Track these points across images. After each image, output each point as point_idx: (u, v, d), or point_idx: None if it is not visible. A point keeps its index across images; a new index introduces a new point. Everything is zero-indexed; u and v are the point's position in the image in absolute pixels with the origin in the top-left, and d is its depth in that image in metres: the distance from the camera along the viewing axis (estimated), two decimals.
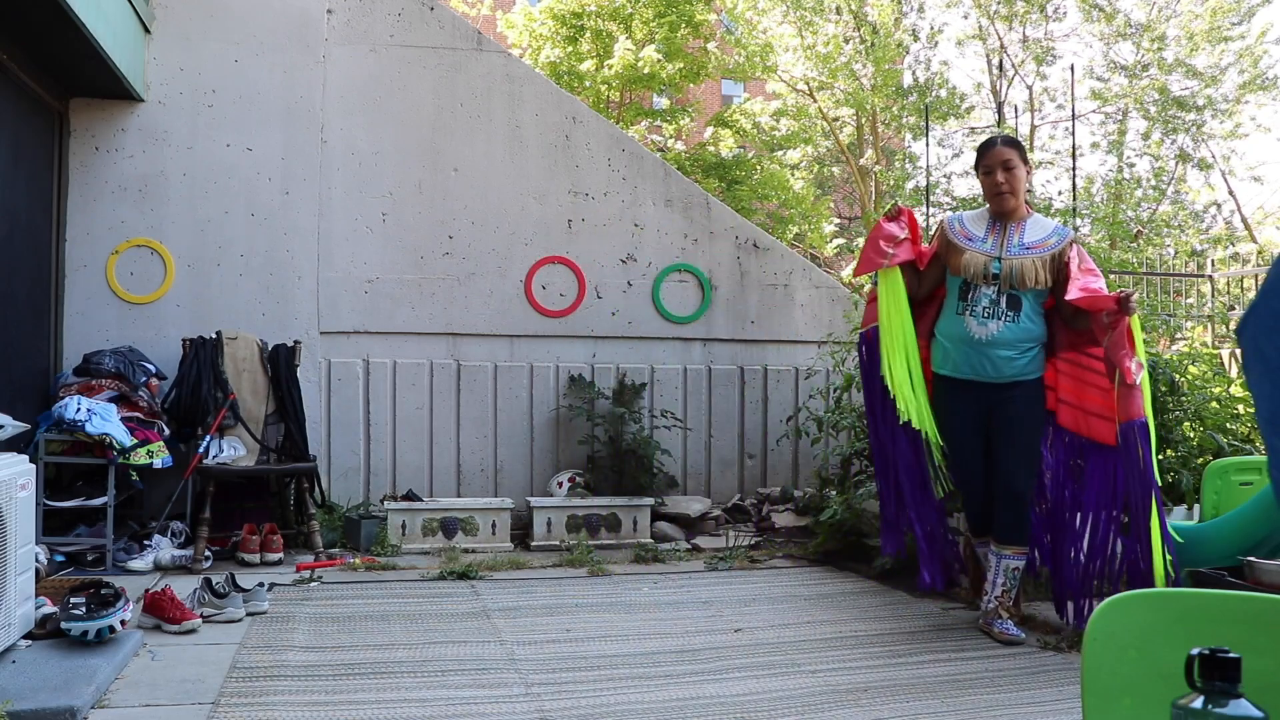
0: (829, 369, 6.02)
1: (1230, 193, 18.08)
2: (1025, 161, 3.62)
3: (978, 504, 3.74)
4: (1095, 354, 3.59)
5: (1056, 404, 3.72)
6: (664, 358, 6.09)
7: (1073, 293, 3.43)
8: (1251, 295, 8.00)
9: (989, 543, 3.72)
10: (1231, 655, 1.07)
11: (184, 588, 3.74)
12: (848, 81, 16.82)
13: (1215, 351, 6.75)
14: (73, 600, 3.07)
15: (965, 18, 18.16)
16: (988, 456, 3.67)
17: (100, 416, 4.45)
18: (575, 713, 2.77)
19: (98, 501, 4.47)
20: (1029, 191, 3.59)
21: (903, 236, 3.70)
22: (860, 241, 17.95)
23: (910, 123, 17.38)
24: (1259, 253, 12.73)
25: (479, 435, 5.77)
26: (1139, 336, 3.41)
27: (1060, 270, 3.55)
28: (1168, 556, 3.34)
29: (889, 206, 3.54)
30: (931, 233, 3.81)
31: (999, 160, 3.59)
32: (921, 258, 3.76)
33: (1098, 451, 3.58)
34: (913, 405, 3.64)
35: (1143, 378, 3.38)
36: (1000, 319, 3.52)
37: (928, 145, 7.23)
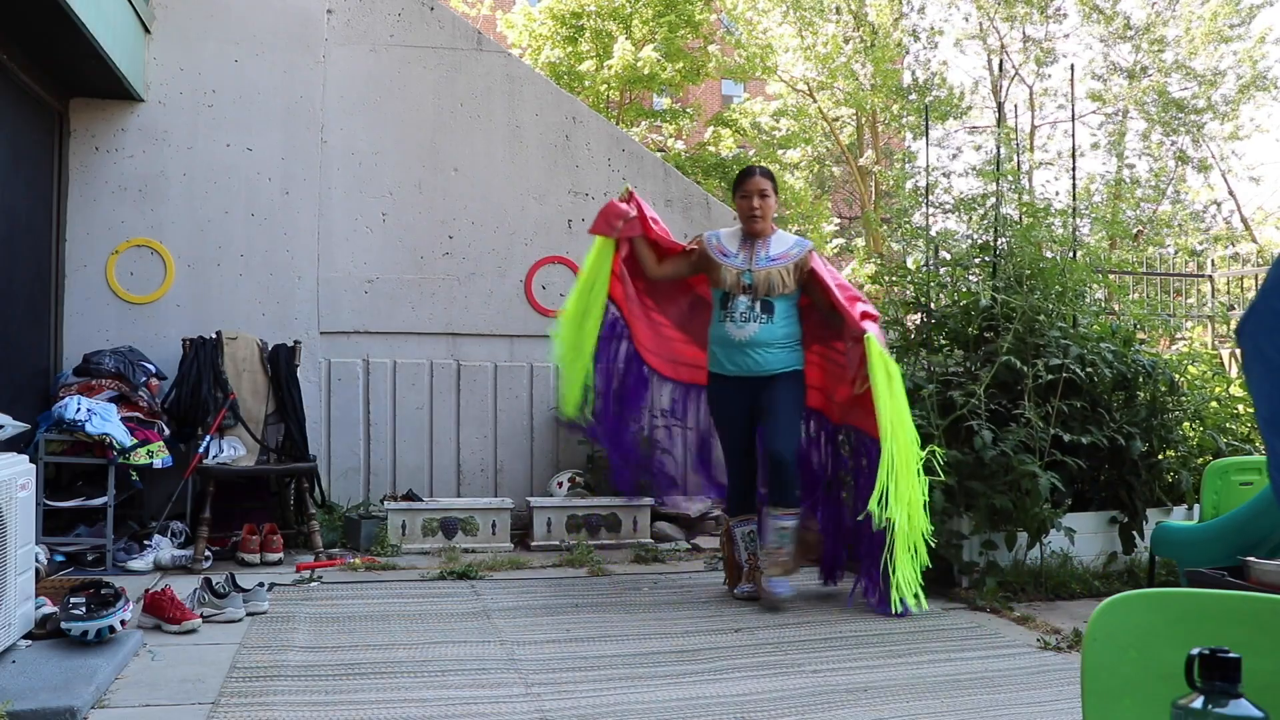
0: None
1: (1230, 193, 18.09)
2: (776, 191, 4.24)
3: (741, 486, 4.25)
4: (840, 348, 4.21)
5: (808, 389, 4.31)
6: None
7: (852, 309, 3.97)
8: (1251, 295, 8.00)
9: (748, 520, 4.22)
10: (1231, 655, 1.07)
11: (184, 588, 3.74)
12: (847, 81, 16.83)
13: (1215, 352, 6.75)
14: (73, 600, 3.07)
15: (966, 20, 18.17)
16: (751, 445, 4.24)
17: (100, 416, 4.45)
18: (575, 713, 2.77)
19: (98, 501, 4.47)
20: (777, 217, 4.26)
21: (631, 215, 4.24)
22: (860, 241, 17.98)
23: (910, 122, 17.39)
24: (1259, 253, 12.74)
25: (479, 435, 5.77)
26: (876, 355, 3.82)
27: (807, 276, 4.11)
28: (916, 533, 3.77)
29: (623, 190, 4.30)
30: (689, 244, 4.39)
31: (756, 189, 4.17)
32: (655, 237, 4.32)
33: (868, 443, 4.11)
34: (568, 343, 4.25)
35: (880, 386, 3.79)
36: (756, 321, 4.06)
37: (927, 145, 7.24)
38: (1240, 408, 5.04)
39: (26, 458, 3.13)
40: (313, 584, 4.28)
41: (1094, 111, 17.87)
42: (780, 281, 4.07)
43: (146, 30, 5.31)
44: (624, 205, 4.27)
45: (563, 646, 3.42)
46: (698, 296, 4.49)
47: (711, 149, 17.10)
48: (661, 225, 4.38)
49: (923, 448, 3.89)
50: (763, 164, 4.32)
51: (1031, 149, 16.92)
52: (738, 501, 4.28)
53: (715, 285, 4.18)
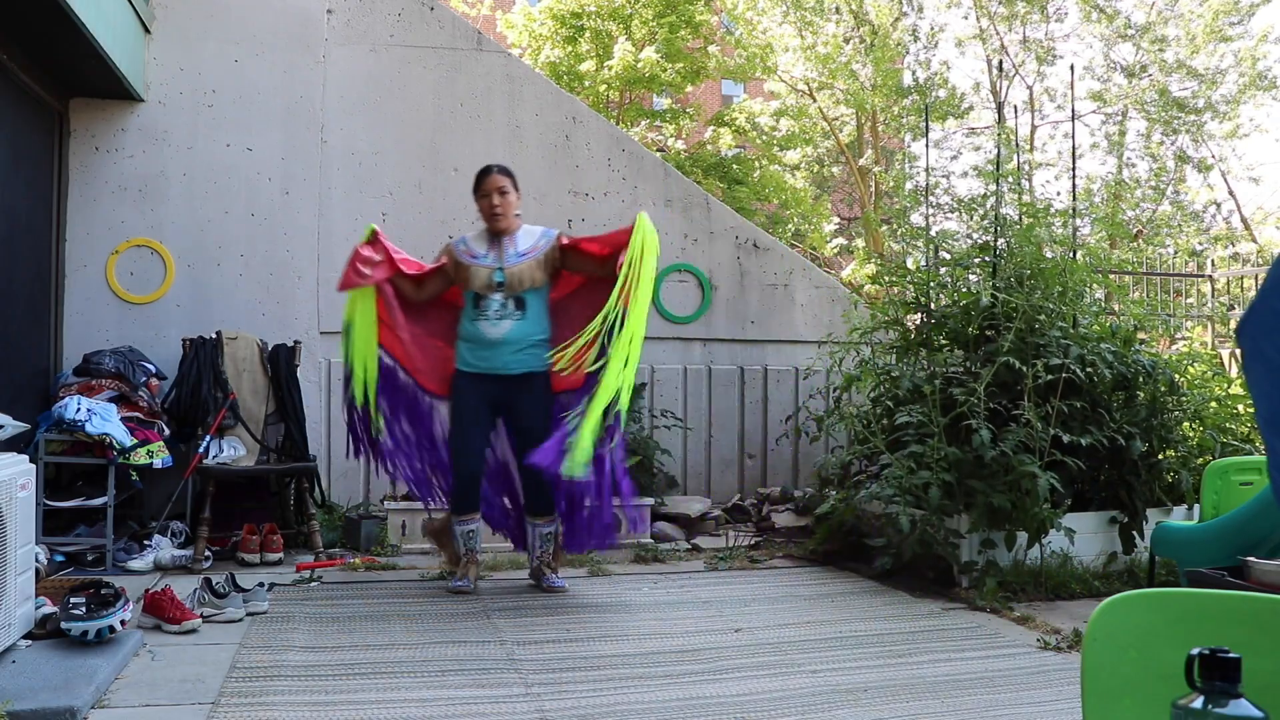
0: (829, 369, 6.01)
1: (1230, 193, 18.10)
2: (516, 188, 4.20)
3: (471, 484, 4.18)
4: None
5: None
6: (664, 358, 6.09)
7: (602, 247, 4.14)
8: (1251, 295, 8.00)
9: (470, 520, 4.22)
10: (1231, 655, 1.07)
11: (184, 588, 3.74)
12: (848, 81, 16.83)
13: (1215, 352, 6.75)
14: (73, 600, 3.07)
15: (965, 18, 18.17)
16: (486, 444, 4.23)
17: (100, 416, 4.45)
18: (575, 713, 2.77)
19: (98, 501, 4.47)
20: (518, 215, 4.23)
21: (378, 259, 4.15)
22: (860, 242, 17.98)
23: (910, 122, 17.40)
24: (1259, 253, 12.74)
25: None
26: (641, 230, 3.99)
27: (566, 254, 4.17)
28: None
29: (368, 233, 4.20)
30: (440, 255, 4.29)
31: (494, 187, 4.15)
32: (408, 266, 4.24)
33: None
34: (365, 391, 4.17)
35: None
36: (510, 319, 4.07)
37: (927, 145, 7.24)
38: (1240, 408, 5.04)
39: (26, 458, 3.13)
40: (313, 584, 4.28)
41: (1094, 111, 17.88)
42: (530, 275, 4.06)
43: (146, 30, 5.31)
44: (369, 251, 4.14)
45: (563, 646, 3.42)
46: (458, 308, 4.37)
47: (711, 149, 17.10)
48: (404, 256, 4.27)
49: (922, 444, 3.88)
50: (500, 165, 4.24)
51: (1031, 149, 16.93)
52: (462, 500, 4.20)
53: (466, 287, 4.13)
